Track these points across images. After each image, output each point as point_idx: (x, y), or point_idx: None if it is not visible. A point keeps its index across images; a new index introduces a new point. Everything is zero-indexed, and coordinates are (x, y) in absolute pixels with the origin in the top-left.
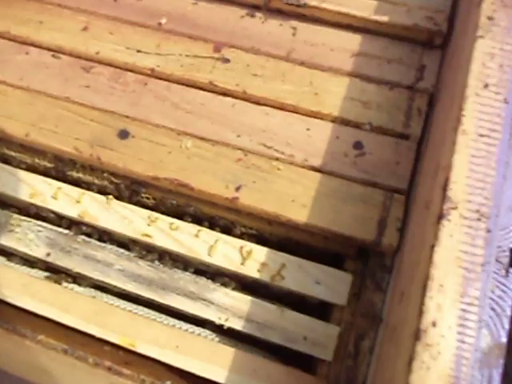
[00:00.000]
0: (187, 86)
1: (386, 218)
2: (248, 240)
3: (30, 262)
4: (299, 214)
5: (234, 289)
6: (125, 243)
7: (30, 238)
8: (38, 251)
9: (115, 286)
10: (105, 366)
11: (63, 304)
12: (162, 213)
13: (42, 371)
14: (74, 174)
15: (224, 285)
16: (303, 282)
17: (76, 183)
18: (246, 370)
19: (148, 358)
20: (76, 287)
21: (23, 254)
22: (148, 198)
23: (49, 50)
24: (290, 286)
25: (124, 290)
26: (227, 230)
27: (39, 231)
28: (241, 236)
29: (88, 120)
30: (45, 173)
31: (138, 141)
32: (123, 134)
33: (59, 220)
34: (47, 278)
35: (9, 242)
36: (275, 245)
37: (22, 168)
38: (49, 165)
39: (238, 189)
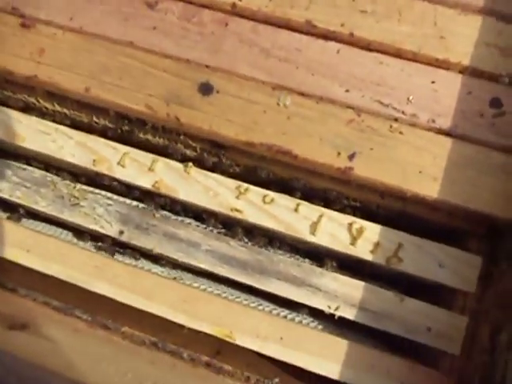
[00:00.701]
0: (278, 26)
1: None
2: (353, 214)
3: (98, 238)
4: (428, 188)
5: (336, 270)
6: (209, 219)
7: (98, 212)
8: (110, 229)
9: (204, 269)
10: (202, 361)
11: (145, 290)
12: (251, 183)
13: (133, 374)
14: (142, 136)
15: (325, 266)
16: (424, 266)
17: (145, 147)
18: (362, 365)
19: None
20: (155, 268)
21: (92, 231)
22: (232, 165)
23: None
24: (410, 270)
25: (215, 273)
26: (329, 203)
27: (109, 205)
28: (344, 209)
29: (160, 71)
30: (104, 134)
31: (225, 97)
32: (205, 89)
33: (129, 191)
34: (122, 258)
35: (74, 217)
36: (384, 220)
37: (77, 128)
38: (110, 125)
39: (351, 157)
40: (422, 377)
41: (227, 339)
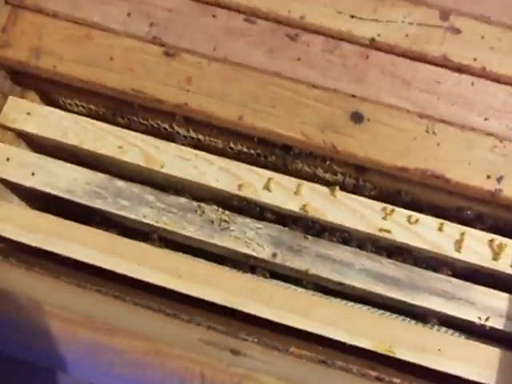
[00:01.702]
0: (415, 60)
1: None
2: (490, 232)
3: (240, 261)
4: None
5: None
6: (358, 240)
7: (249, 236)
8: (263, 252)
9: (359, 289)
10: (371, 376)
11: (302, 309)
12: (391, 204)
13: None
14: (280, 162)
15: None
16: None
17: (282, 172)
18: None
19: (381, 358)
20: (300, 290)
21: (243, 255)
22: (372, 189)
23: (239, 12)
24: None
25: (370, 292)
26: (468, 223)
27: (258, 228)
28: (482, 229)
29: (311, 100)
30: (238, 159)
31: (376, 125)
32: (357, 117)
33: (275, 214)
34: (273, 280)
35: (224, 241)
36: None
37: (213, 153)
38: (246, 150)
39: (499, 180)
40: None
41: (388, 353)
